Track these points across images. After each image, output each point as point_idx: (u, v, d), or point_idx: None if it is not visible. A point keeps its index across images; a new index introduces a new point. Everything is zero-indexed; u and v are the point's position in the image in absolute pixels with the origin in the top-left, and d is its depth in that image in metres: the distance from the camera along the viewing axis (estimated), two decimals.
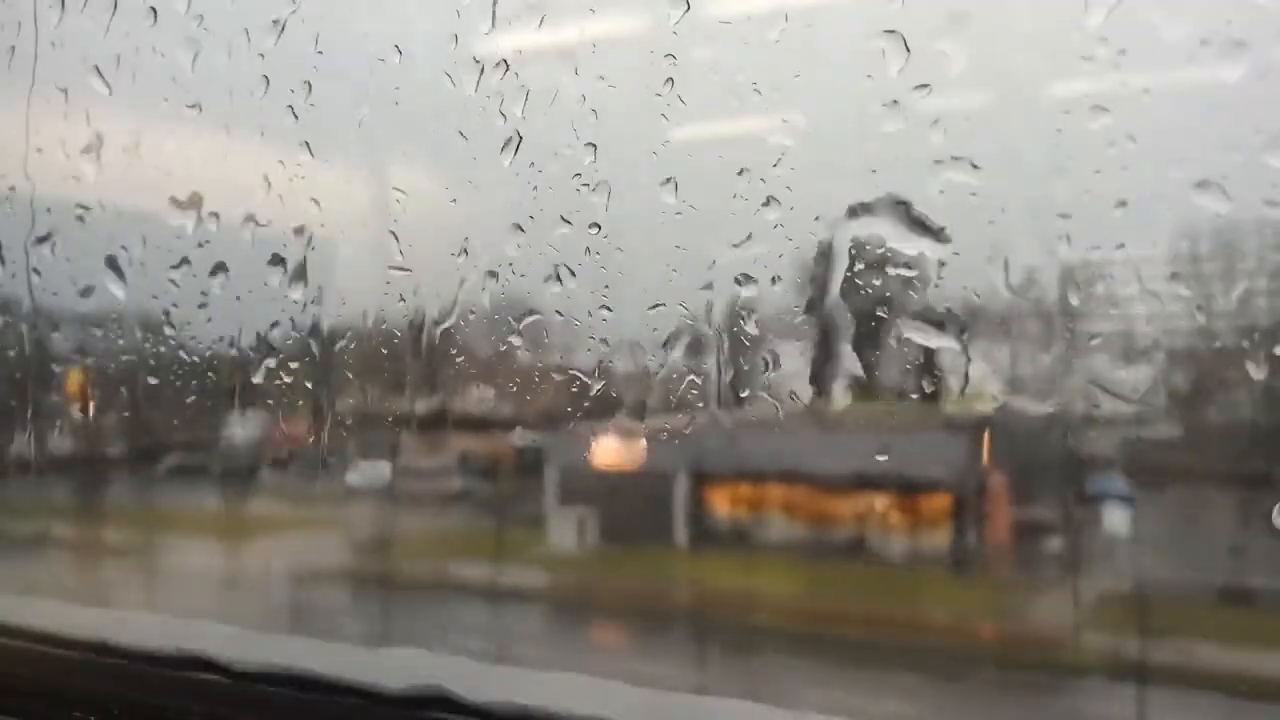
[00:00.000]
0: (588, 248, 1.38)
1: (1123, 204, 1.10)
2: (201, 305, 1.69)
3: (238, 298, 1.67)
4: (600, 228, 1.37)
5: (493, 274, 1.46)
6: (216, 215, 1.65)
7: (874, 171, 1.20)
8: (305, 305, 1.62)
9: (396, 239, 1.53)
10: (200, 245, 1.66)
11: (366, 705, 1.25)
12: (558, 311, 1.44)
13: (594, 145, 1.35)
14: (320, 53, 1.51)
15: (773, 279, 1.30)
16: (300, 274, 1.60)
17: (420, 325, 1.55)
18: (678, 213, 1.33)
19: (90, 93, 1.73)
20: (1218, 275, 1.19)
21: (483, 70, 1.40)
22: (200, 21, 1.61)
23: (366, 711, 1.25)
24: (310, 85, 1.52)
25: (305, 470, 1.91)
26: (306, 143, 1.54)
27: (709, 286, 1.35)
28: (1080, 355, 1.25)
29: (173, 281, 1.69)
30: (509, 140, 1.40)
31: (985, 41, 1.15)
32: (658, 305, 1.39)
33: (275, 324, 1.64)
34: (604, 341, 1.44)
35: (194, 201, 1.65)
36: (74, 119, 1.75)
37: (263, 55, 1.54)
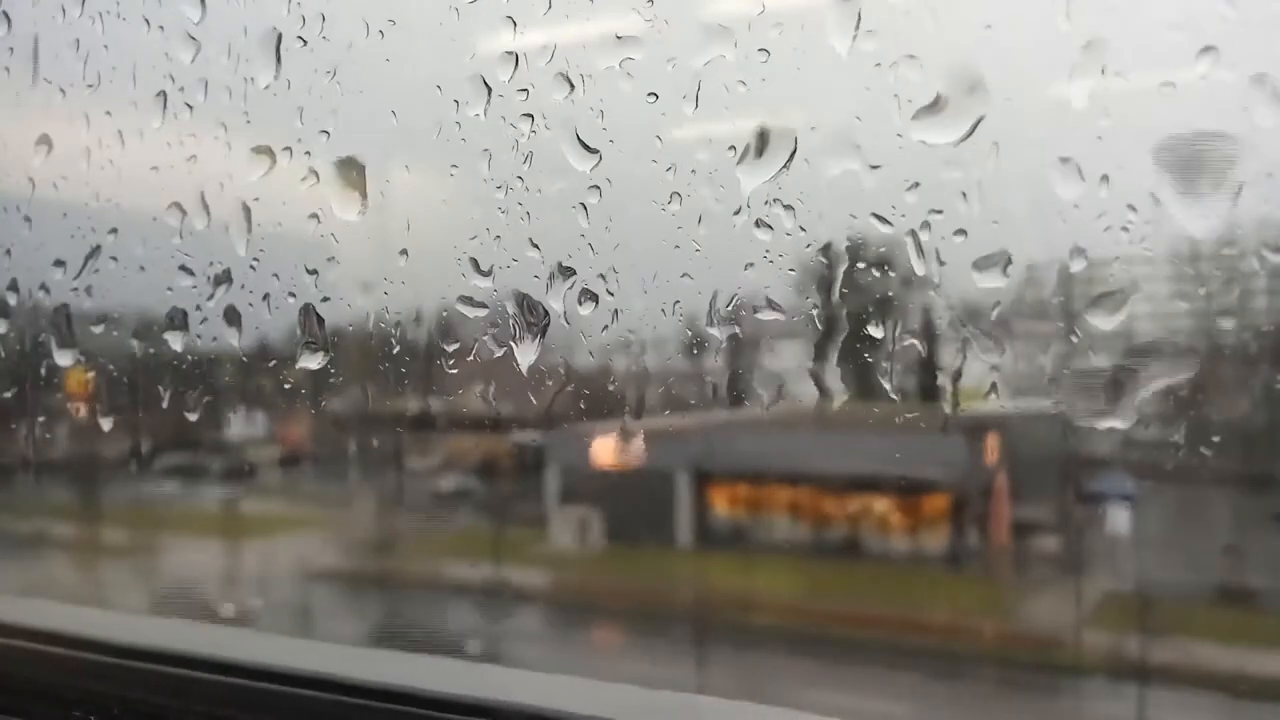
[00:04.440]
0: (589, 246, 1.38)
1: (1125, 203, 1.10)
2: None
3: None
4: (601, 228, 1.37)
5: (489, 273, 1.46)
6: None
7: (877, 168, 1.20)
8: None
9: (395, 241, 1.53)
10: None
11: (367, 705, 1.25)
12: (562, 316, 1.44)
13: (596, 150, 1.35)
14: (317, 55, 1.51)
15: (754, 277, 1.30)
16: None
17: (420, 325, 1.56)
18: (678, 213, 1.33)
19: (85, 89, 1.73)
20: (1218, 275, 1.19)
21: (483, 74, 1.40)
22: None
23: (366, 711, 1.25)
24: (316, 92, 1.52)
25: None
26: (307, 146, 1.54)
27: (709, 287, 1.35)
28: (1081, 354, 1.25)
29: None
30: (512, 143, 1.40)
31: (984, 41, 1.15)
32: (657, 306, 1.38)
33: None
34: (607, 343, 1.43)
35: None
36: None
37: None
